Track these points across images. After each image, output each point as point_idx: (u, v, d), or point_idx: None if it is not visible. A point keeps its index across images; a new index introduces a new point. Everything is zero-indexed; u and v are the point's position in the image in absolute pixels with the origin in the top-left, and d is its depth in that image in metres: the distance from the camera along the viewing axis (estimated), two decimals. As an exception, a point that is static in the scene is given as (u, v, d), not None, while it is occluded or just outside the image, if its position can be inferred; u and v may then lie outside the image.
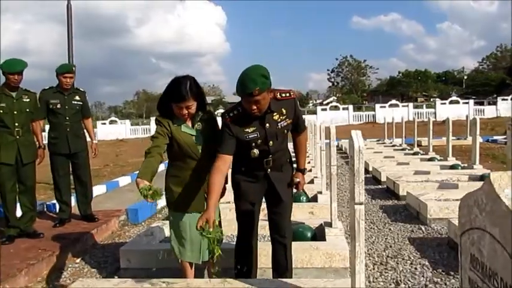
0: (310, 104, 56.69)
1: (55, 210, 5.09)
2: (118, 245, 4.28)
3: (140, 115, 56.47)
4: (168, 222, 3.16)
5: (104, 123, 30.08)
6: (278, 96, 2.50)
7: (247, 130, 2.48)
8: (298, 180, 2.73)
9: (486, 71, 51.92)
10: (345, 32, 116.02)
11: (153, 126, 32.02)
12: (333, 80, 61.21)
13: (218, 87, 69.54)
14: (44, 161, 4.31)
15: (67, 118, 4.42)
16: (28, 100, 4.08)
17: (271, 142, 2.52)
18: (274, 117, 2.49)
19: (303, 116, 2.88)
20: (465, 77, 52.96)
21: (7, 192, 3.89)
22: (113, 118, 33.90)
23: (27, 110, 4.04)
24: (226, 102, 54.33)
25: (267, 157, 2.57)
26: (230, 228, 4.26)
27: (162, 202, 5.38)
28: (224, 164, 2.45)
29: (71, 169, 4.57)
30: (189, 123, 2.65)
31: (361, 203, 2.00)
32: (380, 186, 6.94)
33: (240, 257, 2.84)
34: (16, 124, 3.95)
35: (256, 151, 2.53)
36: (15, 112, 3.95)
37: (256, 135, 2.49)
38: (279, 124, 2.51)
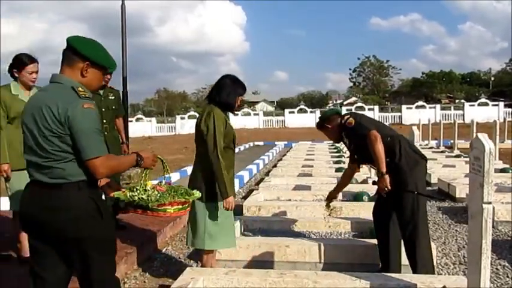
0: (331, 104, 56.44)
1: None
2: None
3: (160, 113, 57.08)
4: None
5: (131, 121, 30.66)
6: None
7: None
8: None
9: (514, 72, 50.77)
10: (363, 33, 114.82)
11: (178, 125, 32.69)
12: (354, 80, 60.80)
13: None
14: None
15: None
16: (113, 97, 4.27)
17: (355, 156, 3.36)
18: (344, 140, 3.34)
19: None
20: (492, 78, 51.90)
21: (96, 185, 4.08)
22: (139, 116, 34.48)
23: (113, 107, 4.24)
24: (246, 101, 54.57)
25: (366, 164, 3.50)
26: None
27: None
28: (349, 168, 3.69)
29: None
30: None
31: (489, 203, 2.09)
32: (430, 188, 6.96)
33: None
34: (104, 121, 4.14)
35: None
36: (103, 109, 4.14)
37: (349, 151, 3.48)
38: (347, 143, 3.36)
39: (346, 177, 3.65)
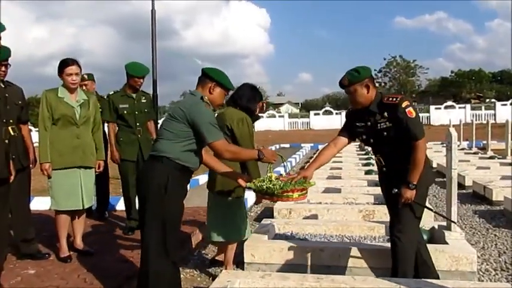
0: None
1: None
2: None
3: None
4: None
5: (159, 123, 31.05)
6: (384, 100, 2.67)
7: (357, 124, 2.83)
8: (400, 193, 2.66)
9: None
10: (387, 33, 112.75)
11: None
12: (380, 80, 59.75)
13: (262, 88, 69.84)
14: None
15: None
16: (145, 101, 4.35)
17: (371, 140, 2.80)
18: (376, 118, 2.69)
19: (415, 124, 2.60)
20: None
21: (130, 186, 4.17)
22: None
23: (145, 110, 4.32)
24: (270, 103, 54.47)
25: (376, 154, 2.87)
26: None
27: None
28: (334, 143, 2.94)
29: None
30: None
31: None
32: (464, 191, 6.75)
33: None
34: (137, 124, 4.23)
35: (362, 144, 2.89)
36: (136, 112, 4.24)
37: (362, 130, 2.81)
38: (378, 125, 2.69)
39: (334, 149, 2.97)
